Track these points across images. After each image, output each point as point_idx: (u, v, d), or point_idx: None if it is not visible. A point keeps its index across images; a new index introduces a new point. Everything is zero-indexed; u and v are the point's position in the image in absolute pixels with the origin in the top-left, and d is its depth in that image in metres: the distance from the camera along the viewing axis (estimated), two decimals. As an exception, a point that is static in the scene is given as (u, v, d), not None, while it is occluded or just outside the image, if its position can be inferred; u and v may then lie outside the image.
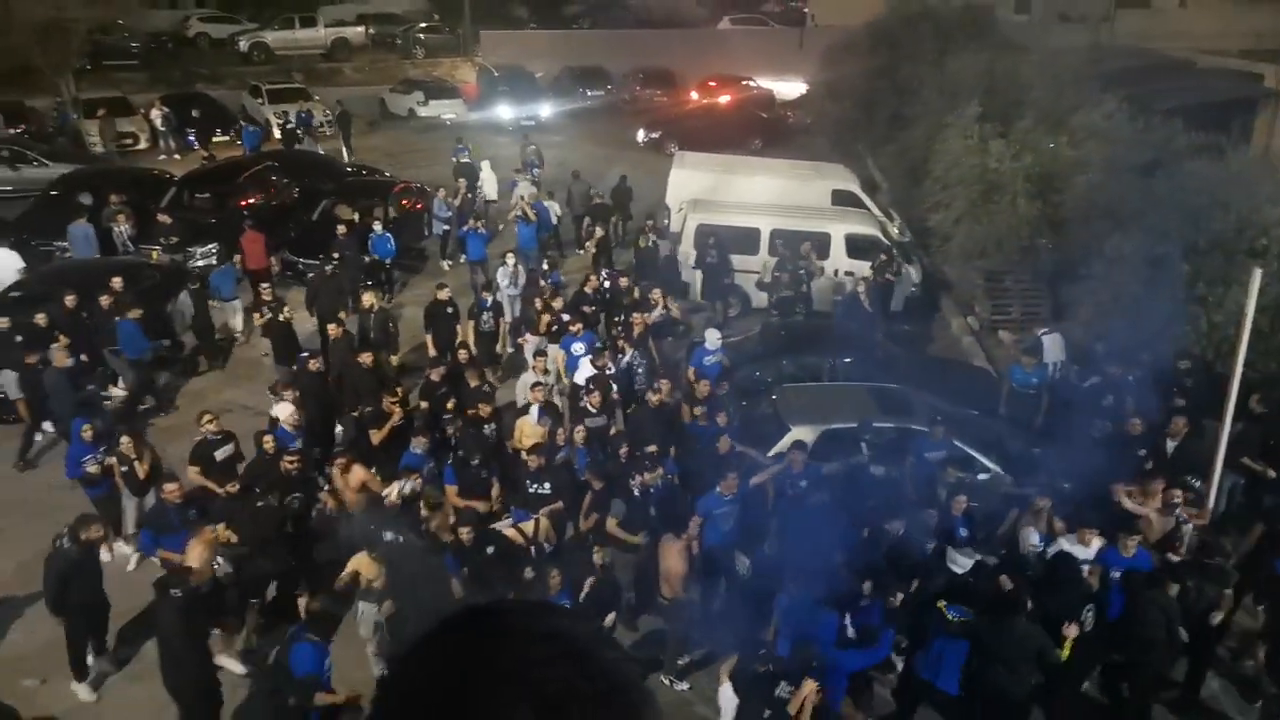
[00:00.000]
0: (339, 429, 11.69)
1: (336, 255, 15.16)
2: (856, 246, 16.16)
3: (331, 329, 12.30)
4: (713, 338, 12.46)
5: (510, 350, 13.91)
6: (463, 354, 11.95)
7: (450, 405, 10.69)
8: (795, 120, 28.53)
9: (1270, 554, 8.51)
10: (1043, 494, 8.98)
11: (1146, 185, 13.44)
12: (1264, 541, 8.83)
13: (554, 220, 18.48)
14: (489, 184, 20.27)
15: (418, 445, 9.87)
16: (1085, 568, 8.27)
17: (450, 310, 13.26)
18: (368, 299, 13.33)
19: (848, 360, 12.77)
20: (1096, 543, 8.43)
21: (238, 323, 15.16)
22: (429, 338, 13.00)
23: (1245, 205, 11.72)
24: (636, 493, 9.29)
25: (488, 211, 18.80)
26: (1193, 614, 8.12)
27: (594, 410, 10.70)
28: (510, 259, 14.94)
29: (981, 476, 10.32)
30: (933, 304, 17.03)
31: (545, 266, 15.47)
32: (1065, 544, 8.50)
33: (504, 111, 29.49)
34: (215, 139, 25.30)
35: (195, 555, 8.00)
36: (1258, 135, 20.38)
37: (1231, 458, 9.37)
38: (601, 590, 8.27)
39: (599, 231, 17.25)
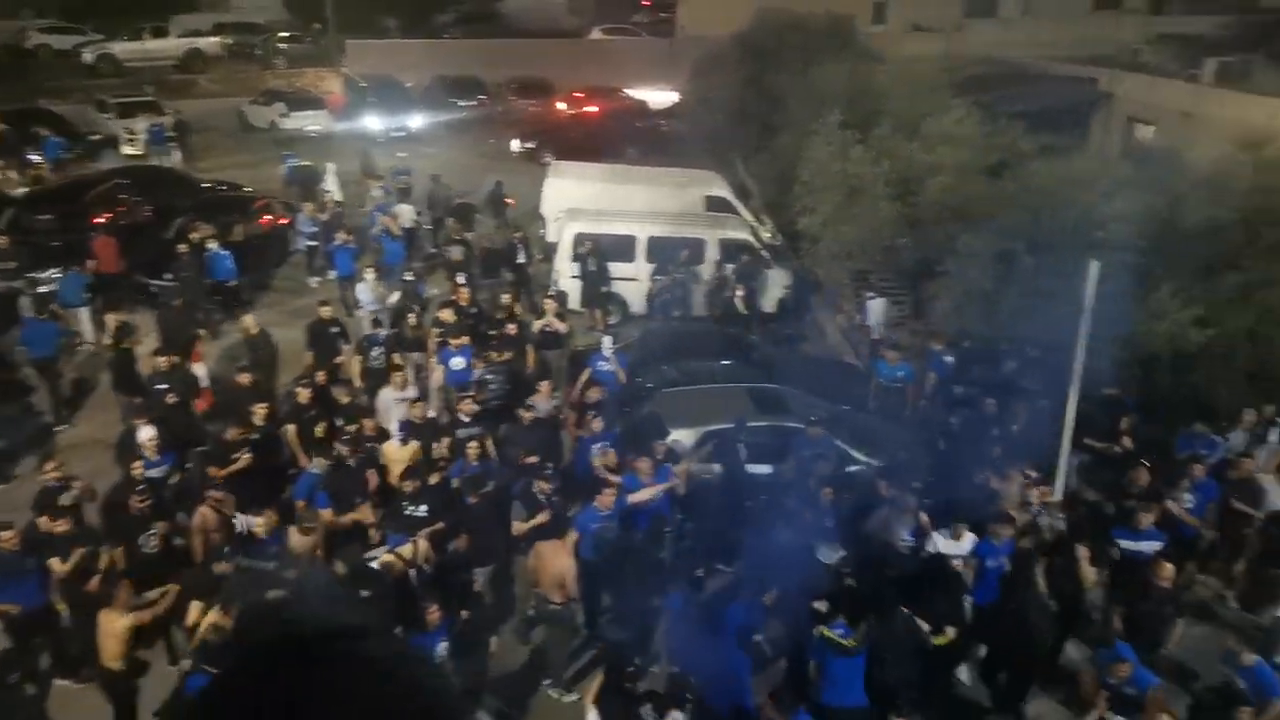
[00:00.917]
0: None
1: (171, 277, 14.50)
2: (730, 251, 16.48)
3: (161, 362, 11.42)
4: (607, 345, 12.49)
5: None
6: (321, 375, 11.40)
7: (320, 430, 10.30)
8: (669, 129, 28.90)
9: (1113, 527, 9.10)
10: (911, 491, 9.29)
11: (994, 186, 14.25)
12: (1105, 516, 9.44)
13: (407, 224, 18.09)
14: (333, 186, 19.96)
15: (317, 465, 9.54)
16: (959, 561, 8.64)
17: (335, 330, 12.76)
18: (248, 321, 12.79)
19: (726, 363, 13.03)
20: (969, 537, 8.76)
21: (87, 330, 14.40)
22: (309, 357, 12.36)
23: (1083, 202, 12.54)
24: (541, 498, 9.20)
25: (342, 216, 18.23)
26: (1059, 590, 8.60)
27: (467, 419, 10.53)
28: (370, 275, 14.58)
29: (854, 469, 10.68)
30: (805, 305, 17.53)
31: (409, 278, 15.11)
32: (940, 541, 8.76)
33: (372, 123, 28.73)
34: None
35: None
36: (1094, 136, 21.89)
37: (1077, 438, 10.01)
38: (478, 615, 8.13)
39: (455, 240, 16.87)
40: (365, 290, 14.45)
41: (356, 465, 9.73)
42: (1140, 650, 7.67)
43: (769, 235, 18.21)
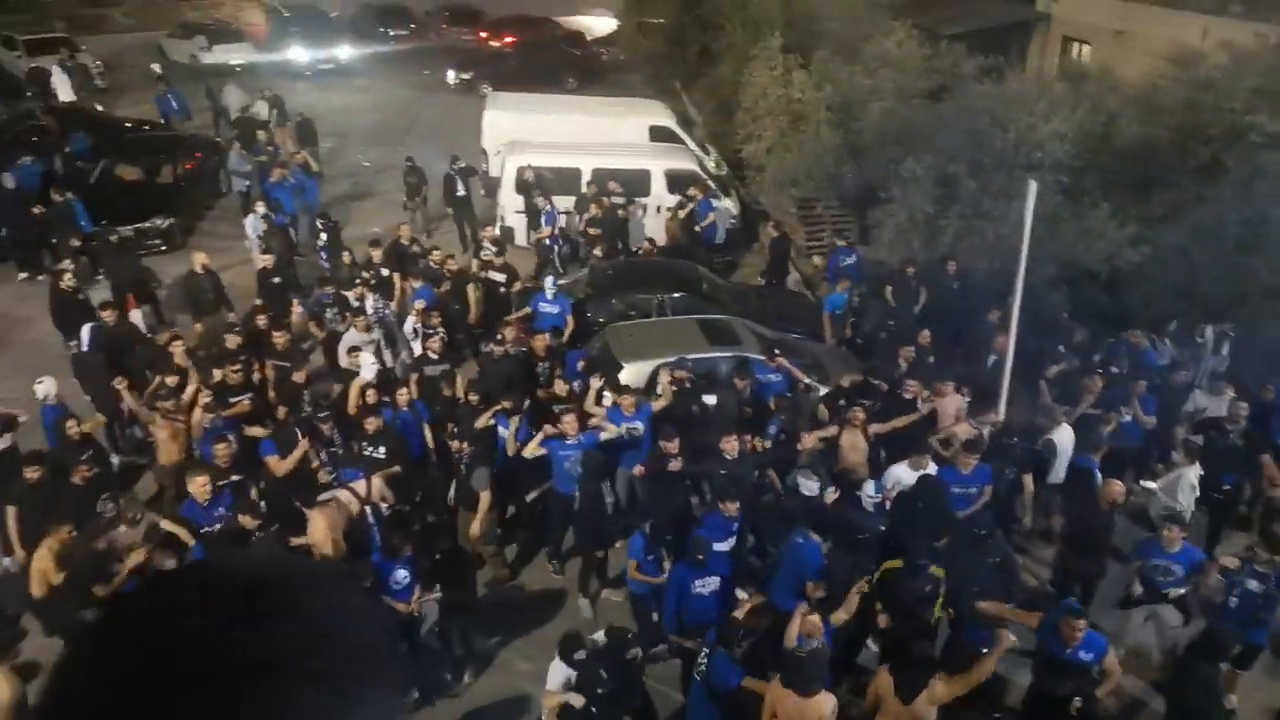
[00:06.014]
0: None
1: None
2: (676, 182, 16.36)
3: (107, 314, 11.04)
4: (549, 285, 12.42)
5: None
6: (261, 319, 11.12)
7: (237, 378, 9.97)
8: (609, 58, 28.32)
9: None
10: (858, 410, 9.50)
11: (935, 109, 14.29)
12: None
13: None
14: (233, 97, 20.63)
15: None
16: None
17: (276, 279, 12.46)
18: (199, 258, 12.44)
19: (676, 295, 13.03)
20: (931, 465, 8.79)
21: None
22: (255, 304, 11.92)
23: (1022, 124, 12.67)
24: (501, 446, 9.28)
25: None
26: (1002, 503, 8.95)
27: (435, 356, 10.55)
28: (260, 207, 14.27)
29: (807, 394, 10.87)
30: (752, 234, 17.56)
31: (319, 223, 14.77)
32: (899, 472, 8.79)
33: (298, 54, 27.60)
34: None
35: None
36: (1031, 57, 22.01)
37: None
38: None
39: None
40: (252, 225, 14.22)
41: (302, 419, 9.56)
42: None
43: (714, 165, 18.09)
